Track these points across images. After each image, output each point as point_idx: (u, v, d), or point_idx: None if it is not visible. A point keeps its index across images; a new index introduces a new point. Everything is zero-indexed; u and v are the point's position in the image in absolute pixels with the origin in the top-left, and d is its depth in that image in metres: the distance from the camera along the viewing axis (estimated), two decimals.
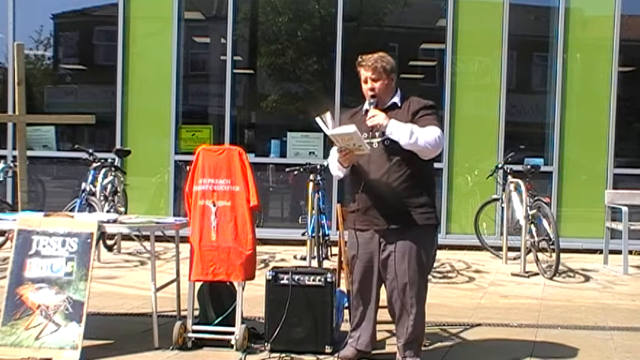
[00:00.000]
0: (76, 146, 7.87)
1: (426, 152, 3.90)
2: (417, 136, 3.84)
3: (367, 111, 4.03)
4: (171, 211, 8.78)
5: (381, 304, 4.19)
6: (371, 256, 4.04)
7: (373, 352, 4.20)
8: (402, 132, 3.86)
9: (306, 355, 4.20)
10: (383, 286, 4.11)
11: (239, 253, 4.33)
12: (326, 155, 8.64)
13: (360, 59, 4.09)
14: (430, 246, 4.07)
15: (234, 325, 4.34)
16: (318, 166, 7.18)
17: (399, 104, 4.06)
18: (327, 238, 7.15)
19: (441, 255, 7.58)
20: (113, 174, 7.75)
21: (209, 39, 10.19)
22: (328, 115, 3.93)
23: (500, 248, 8.03)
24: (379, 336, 4.34)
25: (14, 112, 5.56)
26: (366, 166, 3.99)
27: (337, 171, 4.11)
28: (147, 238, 6.77)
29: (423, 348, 4.40)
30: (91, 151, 7.59)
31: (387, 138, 3.92)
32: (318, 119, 3.92)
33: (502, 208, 8.07)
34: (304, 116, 9.53)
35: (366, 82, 4.05)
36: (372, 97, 4.02)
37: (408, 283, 3.95)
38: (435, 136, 3.87)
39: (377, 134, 3.96)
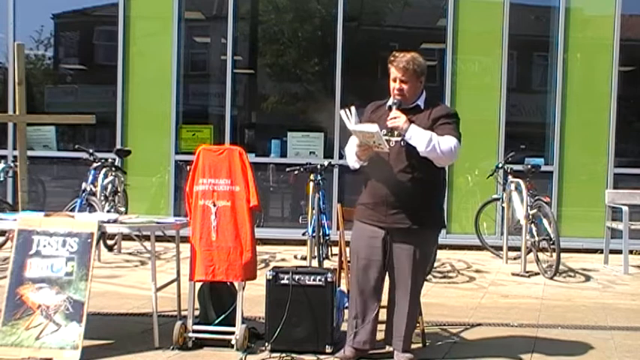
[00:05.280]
0: (77, 146, 7.86)
1: (441, 161, 3.97)
2: (434, 144, 3.89)
3: (390, 107, 4.06)
4: (172, 211, 8.77)
5: (383, 303, 4.19)
6: (373, 251, 4.05)
7: (372, 351, 4.19)
8: (420, 138, 3.90)
9: (306, 355, 4.19)
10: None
11: (239, 253, 4.33)
12: (326, 155, 8.72)
13: (392, 57, 4.09)
14: (432, 248, 4.20)
15: (234, 325, 4.34)
16: (319, 166, 7.18)
17: (422, 107, 4.08)
18: (327, 238, 7.15)
19: (441, 255, 7.59)
20: (113, 174, 7.75)
21: (209, 39, 10.19)
22: (353, 109, 3.94)
23: (500, 248, 8.03)
24: (378, 336, 4.32)
25: (14, 112, 5.56)
26: (381, 163, 4.00)
27: (353, 162, 4.14)
28: (147, 238, 6.77)
29: (423, 348, 4.42)
30: (91, 151, 7.59)
31: (404, 139, 3.96)
32: (342, 112, 3.94)
33: (502, 207, 8.07)
34: (305, 116, 9.54)
35: (394, 80, 4.06)
36: (398, 96, 4.03)
37: (409, 282, 3.98)
38: (451, 145, 3.92)
39: (396, 134, 3.99)
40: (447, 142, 3.92)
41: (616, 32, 8.79)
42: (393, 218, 3.98)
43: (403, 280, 4.00)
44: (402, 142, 3.96)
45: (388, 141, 3.96)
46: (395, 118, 3.95)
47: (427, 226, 4.02)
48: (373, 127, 3.83)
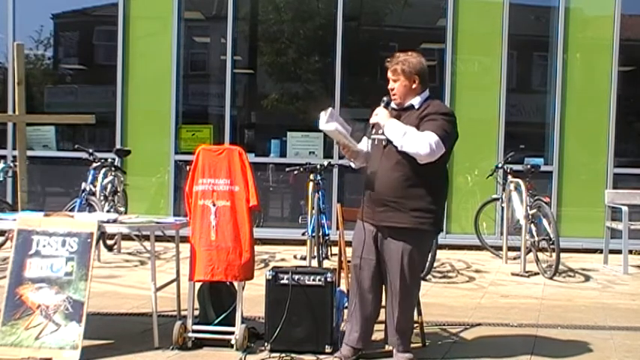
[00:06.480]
0: (76, 146, 7.86)
1: (419, 157, 3.86)
2: (408, 138, 3.85)
3: (393, 109, 4.10)
4: (172, 210, 8.78)
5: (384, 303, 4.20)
6: (367, 249, 4.06)
7: (372, 351, 4.19)
8: (395, 133, 3.90)
9: (306, 354, 4.20)
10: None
11: (238, 253, 4.33)
12: (326, 155, 8.73)
13: (390, 58, 4.15)
14: (424, 250, 4.13)
15: (234, 325, 4.34)
16: (318, 166, 7.18)
17: (416, 107, 4.05)
18: (327, 237, 7.15)
19: (441, 255, 7.58)
20: (113, 174, 7.75)
21: (209, 39, 10.20)
22: (329, 110, 4.00)
23: (500, 248, 8.04)
24: (378, 336, 4.32)
25: (14, 112, 5.56)
26: (375, 161, 4.03)
27: (349, 162, 4.25)
28: (147, 237, 6.77)
29: (423, 347, 4.42)
30: (91, 151, 7.59)
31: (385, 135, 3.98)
32: (322, 113, 3.98)
33: (502, 207, 8.08)
34: (304, 116, 9.53)
35: (388, 80, 4.11)
36: (388, 95, 4.07)
37: (398, 281, 3.98)
38: (428, 141, 3.82)
39: (380, 132, 4.01)
40: (424, 137, 3.83)
41: (616, 32, 8.79)
42: (382, 216, 3.98)
43: (393, 279, 4.01)
44: (390, 141, 3.95)
45: (381, 140, 3.98)
46: (376, 114, 3.99)
47: (418, 226, 3.94)
48: (331, 126, 3.93)
